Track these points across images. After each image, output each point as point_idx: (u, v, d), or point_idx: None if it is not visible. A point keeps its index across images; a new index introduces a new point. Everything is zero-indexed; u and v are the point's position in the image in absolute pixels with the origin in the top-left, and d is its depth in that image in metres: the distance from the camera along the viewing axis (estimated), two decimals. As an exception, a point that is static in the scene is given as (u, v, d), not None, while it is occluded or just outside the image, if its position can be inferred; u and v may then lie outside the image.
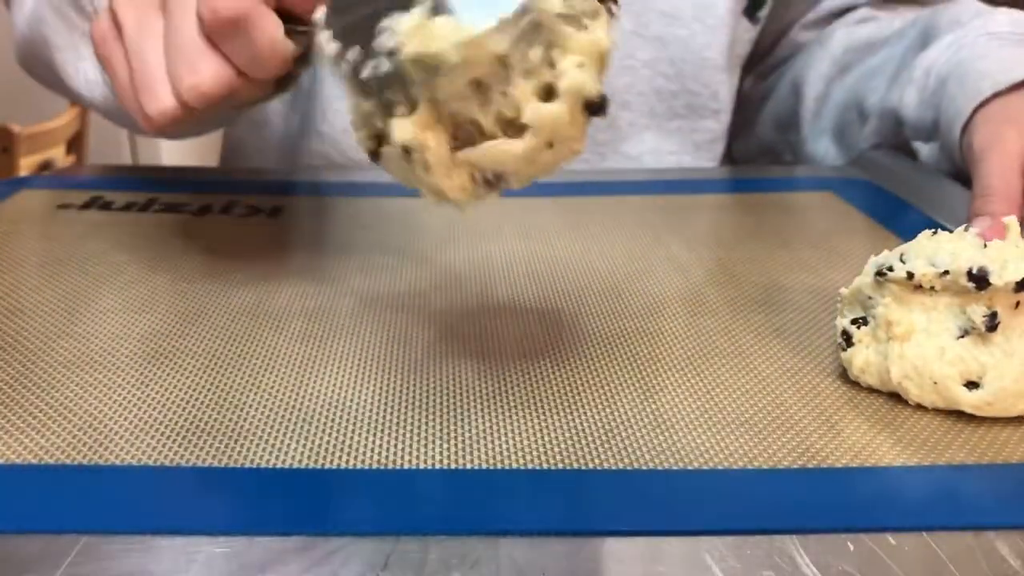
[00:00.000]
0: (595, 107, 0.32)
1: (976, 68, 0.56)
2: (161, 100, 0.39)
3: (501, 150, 0.32)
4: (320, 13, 0.34)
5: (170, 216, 0.56)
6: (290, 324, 0.42)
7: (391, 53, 0.31)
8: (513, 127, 0.32)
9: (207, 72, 0.38)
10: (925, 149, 0.65)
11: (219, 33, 0.37)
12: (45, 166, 1.84)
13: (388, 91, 0.32)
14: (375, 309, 0.44)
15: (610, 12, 0.32)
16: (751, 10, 0.72)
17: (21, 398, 0.35)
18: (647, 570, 0.27)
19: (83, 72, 0.54)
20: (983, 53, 0.57)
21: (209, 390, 0.36)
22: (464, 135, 0.32)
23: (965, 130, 0.55)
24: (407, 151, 0.32)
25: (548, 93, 0.32)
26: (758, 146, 0.82)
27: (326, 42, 0.33)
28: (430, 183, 0.33)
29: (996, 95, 0.54)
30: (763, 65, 0.80)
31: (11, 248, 0.50)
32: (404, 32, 0.31)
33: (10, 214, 0.56)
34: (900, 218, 0.56)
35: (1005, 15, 0.60)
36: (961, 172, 0.58)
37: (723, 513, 0.29)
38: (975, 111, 0.54)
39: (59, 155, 1.93)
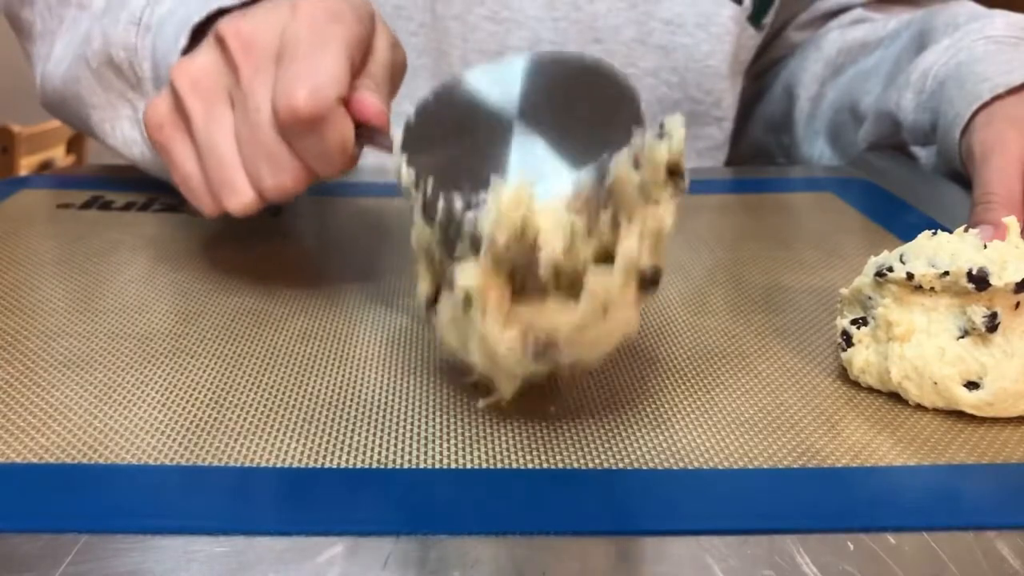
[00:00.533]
0: (647, 281, 0.32)
1: (975, 71, 0.56)
2: (241, 195, 0.39)
3: (556, 314, 0.31)
4: (398, 138, 0.35)
5: (170, 216, 0.56)
6: (290, 323, 0.42)
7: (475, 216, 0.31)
8: (567, 283, 0.32)
9: (289, 173, 0.38)
10: (923, 154, 0.65)
11: (293, 131, 0.37)
12: (45, 166, 1.84)
13: (455, 230, 0.32)
14: (375, 308, 0.44)
15: (679, 190, 0.33)
16: (756, 17, 0.71)
17: (21, 397, 0.35)
18: (648, 570, 0.27)
19: (120, 130, 0.54)
20: (981, 56, 0.57)
21: (209, 389, 0.36)
22: (518, 282, 0.32)
23: (964, 133, 0.55)
24: (468, 298, 0.32)
25: (605, 254, 0.32)
26: (750, 148, 0.82)
27: (403, 171, 0.34)
28: (483, 333, 0.32)
29: (996, 98, 0.54)
30: (755, 65, 0.80)
31: (11, 248, 0.50)
32: (495, 218, 0.30)
33: (10, 214, 0.56)
34: (900, 218, 0.56)
35: (1002, 18, 0.60)
36: (959, 175, 0.58)
37: (723, 513, 0.29)
38: (975, 114, 0.54)
39: (59, 155, 1.93)
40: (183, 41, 0.44)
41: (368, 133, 0.39)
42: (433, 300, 0.34)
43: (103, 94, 0.53)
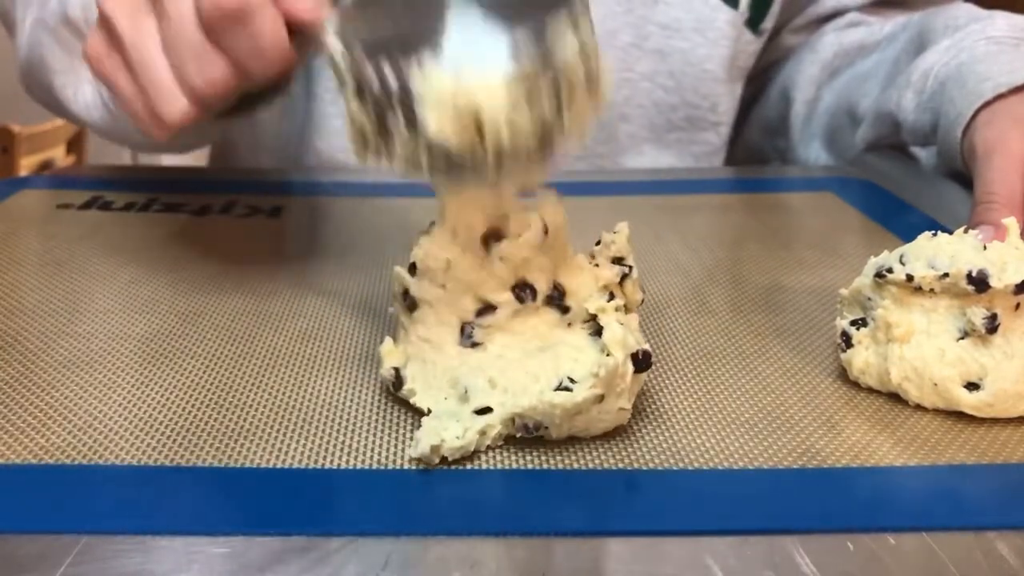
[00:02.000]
0: (640, 363, 0.32)
1: (976, 71, 0.56)
2: (175, 102, 0.38)
3: (551, 403, 0.31)
4: (331, 17, 0.34)
5: (170, 216, 0.56)
6: (290, 324, 0.42)
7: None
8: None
9: (217, 68, 0.37)
10: (923, 154, 0.65)
11: (220, 27, 0.37)
12: (45, 166, 1.84)
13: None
14: (375, 308, 0.44)
15: (636, 289, 0.35)
16: (753, 22, 0.71)
17: (21, 398, 0.35)
18: (648, 570, 0.27)
19: (81, 95, 0.54)
20: (983, 57, 0.57)
21: (209, 390, 0.36)
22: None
23: (966, 132, 0.55)
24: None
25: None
26: (745, 151, 0.82)
27: (333, 44, 0.33)
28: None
29: (998, 97, 0.54)
30: (751, 69, 0.80)
31: (11, 248, 0.50)
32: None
33: (10, 214, 0.56)
34: (900, 219, 0.56)
35: (1003, 19, 0.60)
36: (959, 175, 0.58)
37: (723, 513, 0.29)
38: (976, 113, 0.54)
39: (59, 155, 1.93)
40: None
41: (301, 35, 0.38)
42: (398, 383, 0.34)
43: (64, 58, 0.53)
